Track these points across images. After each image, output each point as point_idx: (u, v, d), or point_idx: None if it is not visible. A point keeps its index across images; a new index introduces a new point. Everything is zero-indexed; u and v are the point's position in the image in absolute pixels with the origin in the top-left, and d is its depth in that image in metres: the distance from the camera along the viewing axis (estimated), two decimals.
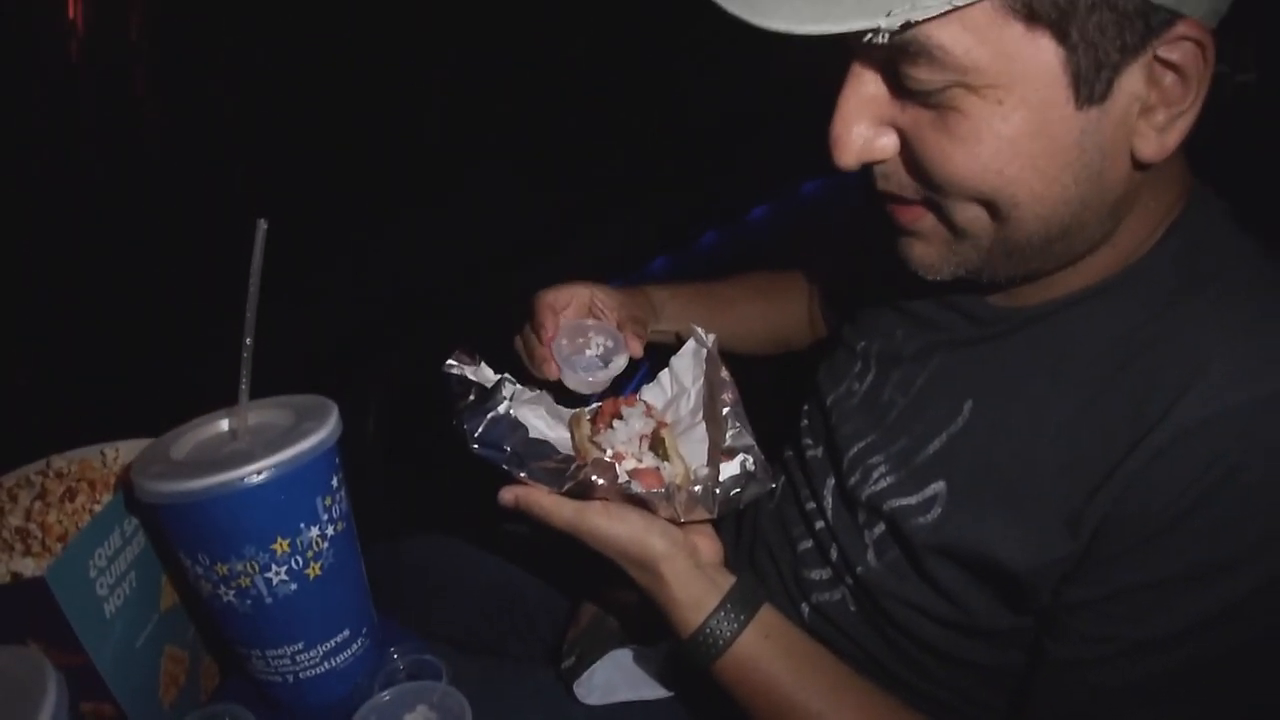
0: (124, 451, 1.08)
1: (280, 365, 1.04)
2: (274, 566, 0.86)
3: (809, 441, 1.23)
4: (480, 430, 0.94)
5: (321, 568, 0.89)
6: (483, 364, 1.08)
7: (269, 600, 0.88)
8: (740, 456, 0.95)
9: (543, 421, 1.09)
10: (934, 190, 0.88)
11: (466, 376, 1.03)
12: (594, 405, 1.09)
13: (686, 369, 1.14)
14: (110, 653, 0.91)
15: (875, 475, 1.06)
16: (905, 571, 1.02)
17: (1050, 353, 0.95)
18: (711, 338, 1.11)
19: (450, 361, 1.05)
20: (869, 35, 0.76)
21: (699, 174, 2.86)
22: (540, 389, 1.13)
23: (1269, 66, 1.39)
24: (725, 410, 1.00)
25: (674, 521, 0.95)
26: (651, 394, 1.15)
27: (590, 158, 3.06)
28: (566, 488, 0.92)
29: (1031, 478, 0.91)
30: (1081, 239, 0.89)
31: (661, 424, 1.04)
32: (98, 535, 0.92)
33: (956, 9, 0.75)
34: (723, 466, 0.94)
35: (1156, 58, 0.79)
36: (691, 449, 1.05)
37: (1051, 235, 0.87)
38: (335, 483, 0.91)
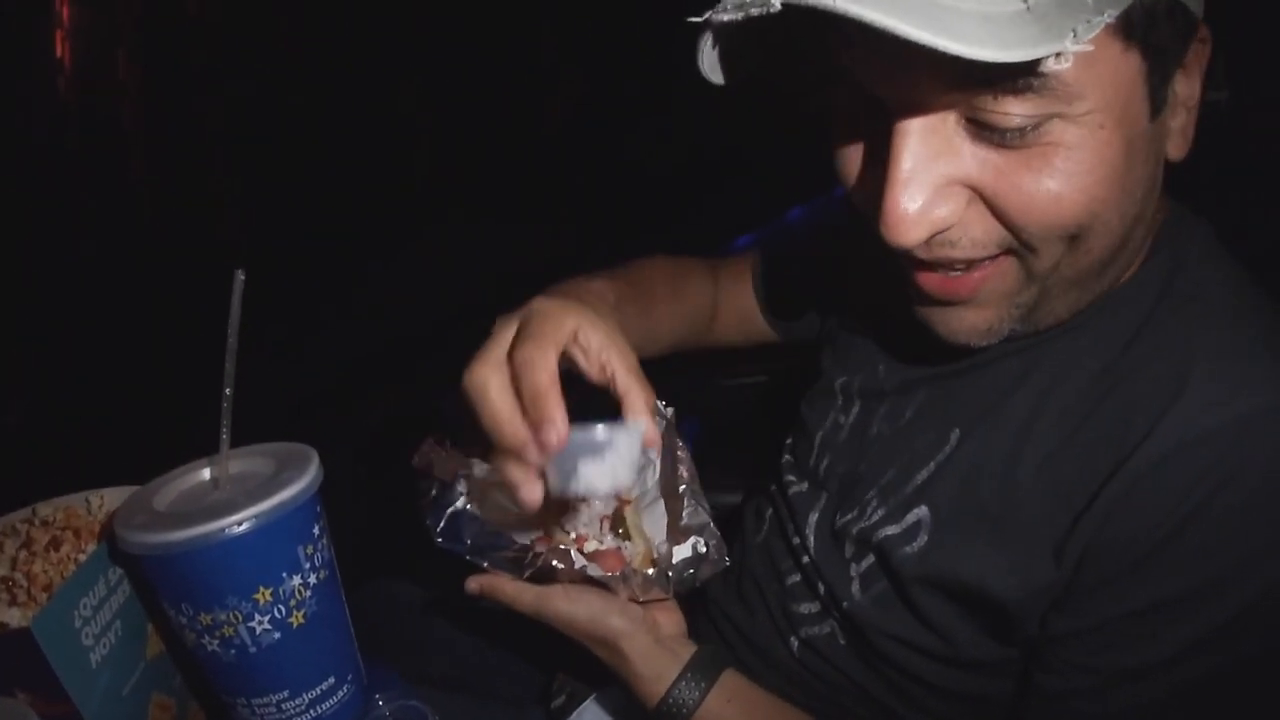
0: (109, 499, 1.08)
1: (263, 407, 1.05)
2: (257, 616, 0.87)
3: (792, 478, 1.23)
4: (441, 525, 0.98)
5: (305, 616, 0.89)
6: (451, 448, 1.09)
7: (253, 649, 0.88)
8: (693, 539, 0.97)
9: (509, 500, 1.10)
10: (1021, 235, 0.81)
11: (430, 472, 1.05)
12: None
13: None
14: (97, 702, 0.91)
15: (870, 510, 1.06)
16: (892, 604, 1.02)
17: (1035, 383, 0.95)
18: (670, 410, 1.12)
19: (421, 450, 1.08)
20: (1048, 62, 0.69)
21: (687, 205, 2.88)
22: None
23: (1240, 83, 1.41)
24: (682, 488, 1.02)
25: (634, 599, 0.98)
26: None
27: (578, 194, 3.08)
28: (527, 575, 0.95)
29: (1015, 506, 0.92)
30: (1125, 258, 0.88)
31: (624, 502, 1.06)
32: (83, 585, 0.92)
33: (1107, 26, 0.70)
34: (675, 550, 0.97)
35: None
36: (654, 523, 1.07)
37: (1113, 255, 0.85)
38: (317, 531, 0.91)
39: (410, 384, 2.05)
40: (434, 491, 1.02)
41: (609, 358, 0.83)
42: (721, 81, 0.84)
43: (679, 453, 1.07)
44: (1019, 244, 0.81)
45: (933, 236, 0.81)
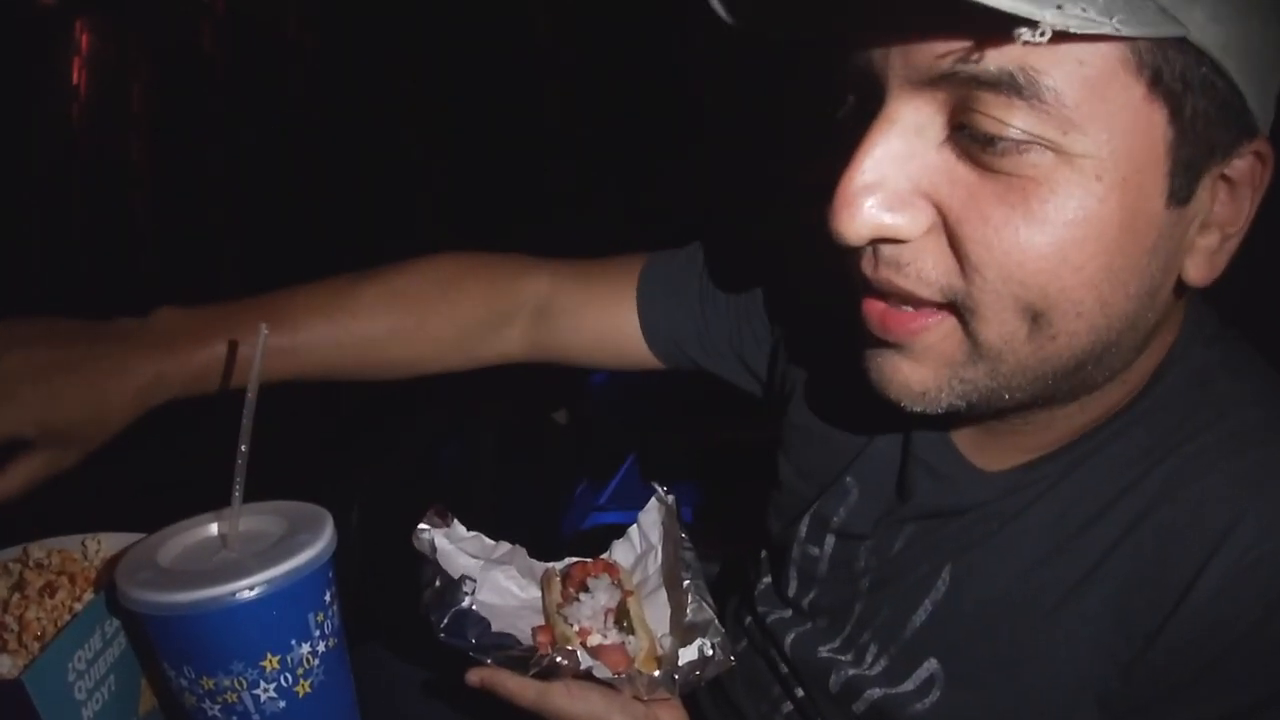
0: (106, 544, 1.05)
1: (263, 459, 1.03)
2: (262, 683, 0.84)
3: (764, 609, 1.17)
4: (445, 623, 0.98)
5: (311, 685, 0.87)
6: (455, 523, 1.10)
7: (256, 717, 0.85)
8: (698, 641, 0.96)
9: (514, 583, 1.11)
10: (973, 286, 0.72)
11: (434, 560, 1.05)
12: (567, 562, 1.10)
13: (653, 525, 1.15)
14: None
15: (869, 658, 1.01)
16: None
17: (1042, 516, 0.89)
18: (671, 497, 1.12)
19: (422, 525, 1.07)
20: (1022, 32, 0.59)
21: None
22: (513, 544, 1.14)
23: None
24: (685, 582, 1.01)
25: (638, 698, 0.97)
26: (621, 551, 1.16)
27: (585, 245, 3.09)
28: (532, 673, 0.95)
29: (1036, 647, 0.87)
30: (1105, 368, 0.80)
31: (627, 594, 1.05)
32: (78, 638, 0.89)
33: (1117, 39, 0.62)
34: (681, 651, 0.96)
35: (1223, 174, 0.73)
36: (656, 613, 1.06)
37: (1087, 357, 0.76)
38: (328, 598, 0.89)
39: (419, 436, 2.02)
40: (437, 583, 1.02)
41: None
42: (732, 20, 0.78)
43: (683, 540, 1.06)
44: (966, 297, 0.73)
45: (880, 243, 0.74)
